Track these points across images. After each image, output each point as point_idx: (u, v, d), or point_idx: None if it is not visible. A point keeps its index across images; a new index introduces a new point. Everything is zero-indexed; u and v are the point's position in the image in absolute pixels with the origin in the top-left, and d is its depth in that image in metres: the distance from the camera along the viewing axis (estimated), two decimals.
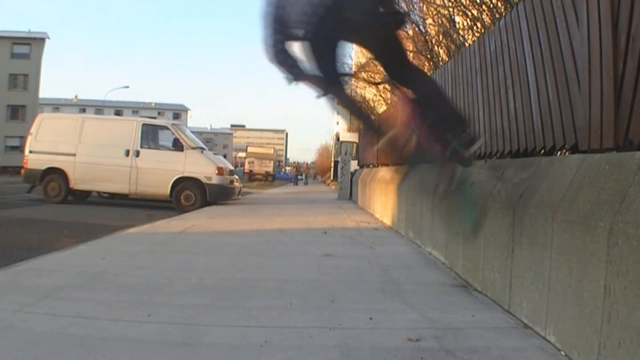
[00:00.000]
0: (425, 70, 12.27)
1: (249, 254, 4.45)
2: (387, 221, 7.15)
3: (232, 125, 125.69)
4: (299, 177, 36.05)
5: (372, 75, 18.15)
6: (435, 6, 10.29)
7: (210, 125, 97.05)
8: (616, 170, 1.98)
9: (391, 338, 2.27)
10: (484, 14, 7.96)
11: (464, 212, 2.80)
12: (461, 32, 8.96)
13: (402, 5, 12.41)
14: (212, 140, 78.69)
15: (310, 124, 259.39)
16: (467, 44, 7.99)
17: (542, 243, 2.35)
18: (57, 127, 10.78)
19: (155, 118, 47.78)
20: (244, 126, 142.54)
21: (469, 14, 8.44)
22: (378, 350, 2.11)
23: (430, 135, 2.58)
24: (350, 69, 19.33)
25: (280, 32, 2.40)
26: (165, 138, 10.57)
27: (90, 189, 10.97)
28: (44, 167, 10.38)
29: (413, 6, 12.33)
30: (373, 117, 3.77)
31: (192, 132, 12.45)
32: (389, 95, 17.35)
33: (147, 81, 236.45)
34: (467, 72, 4.45)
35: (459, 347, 2.17)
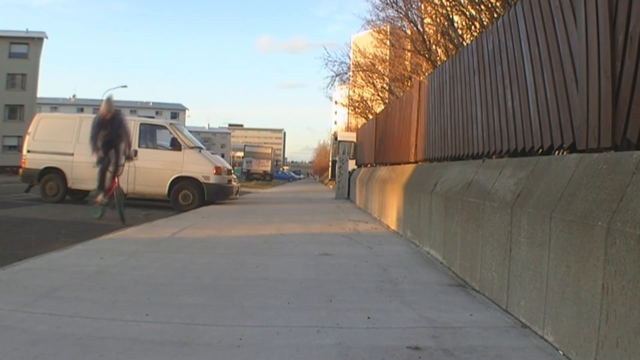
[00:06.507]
0: (424, 69, 12.30)
1: (247, 254, 4.44)
2: (385, 220, 7.15)
3: (230, 125, 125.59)
4: (300, 176, 37.03)
5: (370, 75, 18.14)
6: (433, 5, 10.29)
7: (208, 125, 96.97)
8: (614, 169, 1.98)
9: (389, 337, 2.27)
10: (482, 13, 7.96)
11: None
12: (459, 32, 8.97)
13: (401, 5, 12.47)
14: (210, 140, 78.58)
15: (308, 124, 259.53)
16: (465, 44, 7.99)
17: (540, 242, 2.35)
18: (55, 126, 10.74)
19: (153, 117, 47.76)
20: (241, 126, 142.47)
21: (467, 13, 8.44)
22: (376, 350, 2.11)
23: None
24: (349, 68, 19.36)
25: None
26: (163, 137, 10.53)
27: (88, 189, 10.91)
28: (41, 167, 10.35)
29: (411, 5, 12.34)
30: None
31: (190, 131, 12.44)
32: (386, 94, 17.35)
33: (145, 81, 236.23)
34: (465, 71, 4.46)
35: (456, 346, 2.17)
